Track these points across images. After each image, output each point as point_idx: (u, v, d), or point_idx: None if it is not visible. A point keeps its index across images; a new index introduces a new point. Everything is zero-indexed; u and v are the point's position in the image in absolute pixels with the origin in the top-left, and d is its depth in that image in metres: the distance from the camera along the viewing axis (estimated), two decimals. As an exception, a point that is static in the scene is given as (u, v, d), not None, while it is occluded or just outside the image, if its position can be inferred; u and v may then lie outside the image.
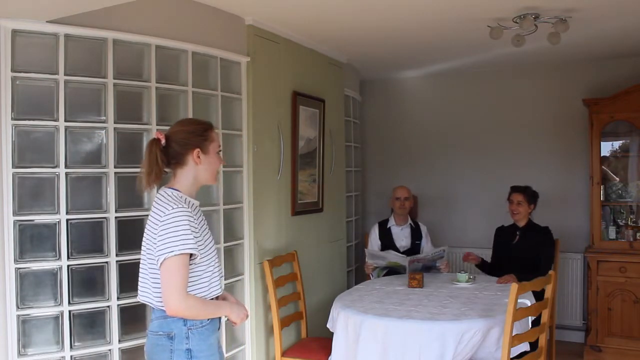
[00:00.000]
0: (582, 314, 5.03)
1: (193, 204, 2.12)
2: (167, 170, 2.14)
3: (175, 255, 1.93)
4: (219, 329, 2.19)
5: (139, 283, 2.11)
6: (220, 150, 2.19)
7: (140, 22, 2.93)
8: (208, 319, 2.09)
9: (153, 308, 2.09)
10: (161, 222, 1.98)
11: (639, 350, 4.38)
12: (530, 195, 4.14)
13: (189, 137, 2.09)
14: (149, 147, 2.08)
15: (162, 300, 1.99)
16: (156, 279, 2.02)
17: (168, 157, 2.09)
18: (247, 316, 2.23)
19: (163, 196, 2.05)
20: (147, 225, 2.08)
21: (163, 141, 2.08)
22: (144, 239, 2.09)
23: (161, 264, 1.96)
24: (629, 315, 4.47)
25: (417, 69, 5.58)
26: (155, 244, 1.98)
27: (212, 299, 2.14)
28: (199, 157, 2.09)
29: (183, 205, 2.00)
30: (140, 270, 2.11)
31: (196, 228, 2.03)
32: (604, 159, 4.87)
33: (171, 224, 1.96)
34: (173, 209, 1.98)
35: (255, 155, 3.62)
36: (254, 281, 3.61)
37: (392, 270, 4.22)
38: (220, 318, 2.21)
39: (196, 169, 2.11)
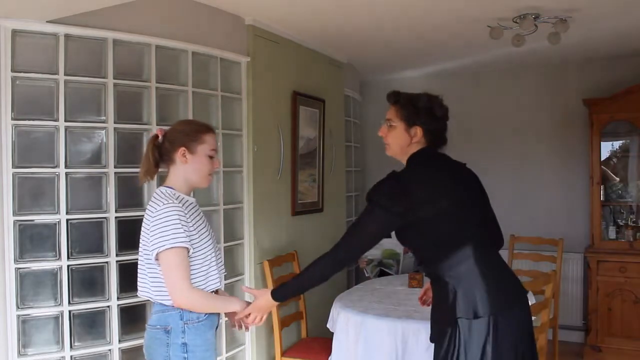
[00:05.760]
0: (582, 314, 5.02)
1: (187, 201, 2.15)
2: (161, 165, 2.18)
3: (167, 249, 1.98)
4: (217, 326, 2.21)
5: (138, 279, 2.14)
6: (212, 155, 2.17)
7: (140, 22, 2.93)
8: (205, 315, 2.11)
9: (153, 302, 2.13)
10: (152, 219, 2.03)
11: (639, 350, 4.38)
12: None
13: (178, 135, 2.14)
14: (148, 142, 2.18)
15: (168, 294, 2.02)
16: (154, 274, 2.06)
17: (161, 154, 2.16)
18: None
19: (157, 194, 2.11)
20: (142, 223, 2.12)
21: (160, 138, 2.15)
22: (140, 236, 2.12)
23: (157, 259, 2.01)
24: (629, 315, 4.47)
25: (417, 69, 5.58)
26: (149, 239, 2.03)
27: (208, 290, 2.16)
28: (184, 156, 2.12)
29: (174, 202, 2.04)
30: (139, 266, 2.14)
31: (188, 223, 2.05)
32: (604, 159, 4.87)
33: (162, 219, 2.00)
34: (164, 204, 2.03)
35: (255, 155, 3.62)
36: (254, 281, 3.61)
37: (383, 272, 4.24)
38: (219, 315, 2.23)
39: (184, 168, 2.13)
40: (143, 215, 2.92)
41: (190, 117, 3.16)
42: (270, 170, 3.83)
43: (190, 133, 2.14)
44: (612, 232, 4.75)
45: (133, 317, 2.92)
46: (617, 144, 5.07)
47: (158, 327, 2.07)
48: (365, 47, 4.58)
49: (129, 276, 2.88)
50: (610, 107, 4.62)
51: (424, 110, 2.12)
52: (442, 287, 2.02)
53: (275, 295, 2.16)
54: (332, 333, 3.27)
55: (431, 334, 2.14)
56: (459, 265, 2.00)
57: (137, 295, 2.85)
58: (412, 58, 5.06)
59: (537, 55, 4.79)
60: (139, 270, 2.13)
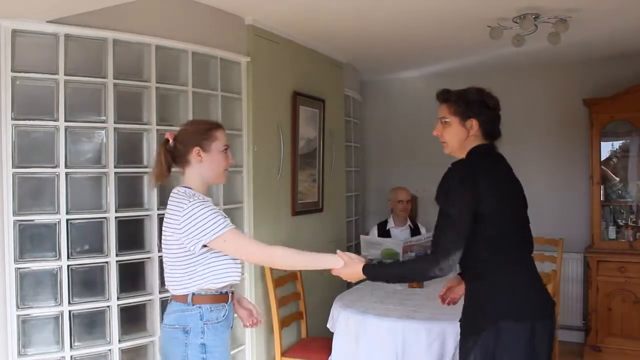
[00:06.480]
0: (582, 314, 5.02)
1: (207, 200, 2.15)
2: (174, 168, 2.19)
3: (216, 237, 2.00)
4: (232, 326, 2.22)
5: (168, 277, 2.12)
6: (226, 149, 2.19)
7: (140, 22, 2.93)
8: (224, 315, 2.12)
9: (169, 300, 2.13)
10: (183, 217, 2.02)
11: (639, 350, 4.38)
12: None
13: (190, 136, 2.15)
14: (158, 146, 2.19)
15: (259, 263, 2.14)
16: (191, 267, 2.05)
17: (175, 157, 2.16)
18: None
19: (177, 193, 2.10)
20: (164, 223, 2.11)
21: (171, 141, 2.15)
22: (162, 236, 2.12)
23: (211, 247, 2.02)
24: (629, 315, 4.47)
25: (417, 69, 5.58)
26: (184, 236, 2.01)
27: (226, 290, 2.15)
28: (199, 155, 2.12)
29: (199, 198, 2.06)
30: (167, 265, 2.12)
31: (220, 211, 2.09)
32: (604, 159, 4.87)
33: (196, 213, 2.01)
34: (191, 202, 2.03)
35: (255, 155, 3.62)
36: (254, 281, 3.61)
37: None
38: (233, 316, 2.22)
39: (200, 168, 2.14)
40: (143, 215, 2.96)
41: (191, 117, 3.16)
42: (270, 170, 3.83)
43: (201, 132, 2.15)
44: (612, 232, 4.75)
45: (133, 317, 2.92)
46: (617, 144, 5.07)
47: (176, 326, 2.07)
48: (365, 47, 4.58)
49: (129, 276, 2.88)
50: (610, 107, 4.62)
51: (476, 102, 2.12)
52: (484, 285, 2.02)
53: (366, 270, 2.13)
54: (332, 333, 3.27)
55: (464, 329, 2.12)
56: (505, 265, 2.00)
57: (136, 295, 2.88)
58: (412, 58, 5.06)
59: (537, 55, 4.79)
60: (168, 269, 2.12)
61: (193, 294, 2.07)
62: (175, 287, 2.10)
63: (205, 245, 2.02)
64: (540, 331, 1.97)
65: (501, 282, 1.99)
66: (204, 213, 2.01)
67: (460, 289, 2.43)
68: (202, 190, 2.16)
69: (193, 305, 2.06)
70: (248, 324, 2.38)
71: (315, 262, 2.27)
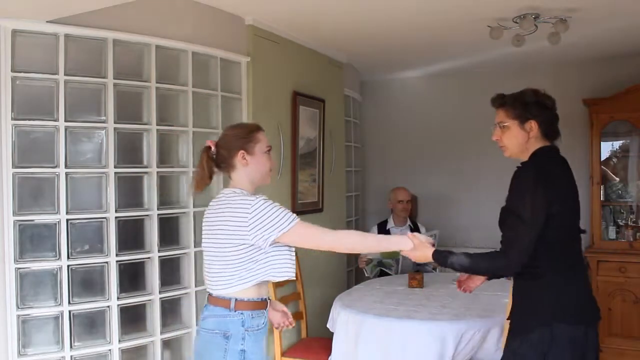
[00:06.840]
0: (582, 314, 5.02)
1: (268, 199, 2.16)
2: (219, 171, 2.19)
3: (288, 230, 2.02)
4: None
5: (215, 279, 2.09)
6: (268, 151, 2.20)
7: (140, 22, 2.93)
8: (264, 322, 2.11)
9: (206, 305, 2.11)
10: (251, 213, 2.01)
11: (639, 350, 4.38)
12: None
13: (232, 140, 2.16)
14: (201, 154, 2.18)
15: (329, 249, 2.17)
16: (245, 263, 2.03)
17: (218, 162, 2.16)
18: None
19: (233, 194, 2.09)
20: (212, 223, 2.09)
21: (213, 148, 2.16)
22: (209, 236, 2.10)
23: (277, 242, 2.03)
24: (629, 315, 4.47)
25: (417, 69, 5.58)
26: (247, 232, 2.00)
27: (265, 297, 2.14)
28: (244, 158, 2.14)
29: (261, 196, 2.08)
30: (215, 266, 2.09)
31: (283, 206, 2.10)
32: (604, 159, 4.87)
33: (265, 208, 2.03)
34: (256, 198, 2.05)
35: (255, 155, 3.62)
36: (254, 281, 3.61)
37: (383, 272, 4.25)
38: (267, 321, 2.20)
39: (246, 170, 2.15)
40: (143, 216, 2.96)
41: (190, 117, 3.17)
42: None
43: (244, 135, 2.16)
44: (612, 232, 4.75)
45: (133, 317, 2.92)
46: (617, 144, 5.07)
47: (217, 331, 2.05)
48: (365, 47, 4.58)
49: (129, 276, 2.89)
50: (610, 107, 4.62)
51: (533, 104, 2.13)
52: (540, 285, 2.01)
53: (435, 256, 2.13)
54: (332, 333, 3.27)
55: (513, 328, 2.09)
56: (562, 267, 2.00)
57: (136, 295, 2.87)
58: (412, 58, 5.06)
59: (537, 55, 4.79)
60: (215, 268, 2.08)
61: (236, 299, 2.04)
62: (219, 286, 2.06)
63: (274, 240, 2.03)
64: (591, 337, 1.98)
65: (558, 283, 1.98)
66: (271, 209, 2.03)
67: (478, 280, 2.44)
68: (251, 192, 2.16)
69: (235, 311, 2.04)
70: (283, 324, 2.39)
71: (385, 244, 2.36)
